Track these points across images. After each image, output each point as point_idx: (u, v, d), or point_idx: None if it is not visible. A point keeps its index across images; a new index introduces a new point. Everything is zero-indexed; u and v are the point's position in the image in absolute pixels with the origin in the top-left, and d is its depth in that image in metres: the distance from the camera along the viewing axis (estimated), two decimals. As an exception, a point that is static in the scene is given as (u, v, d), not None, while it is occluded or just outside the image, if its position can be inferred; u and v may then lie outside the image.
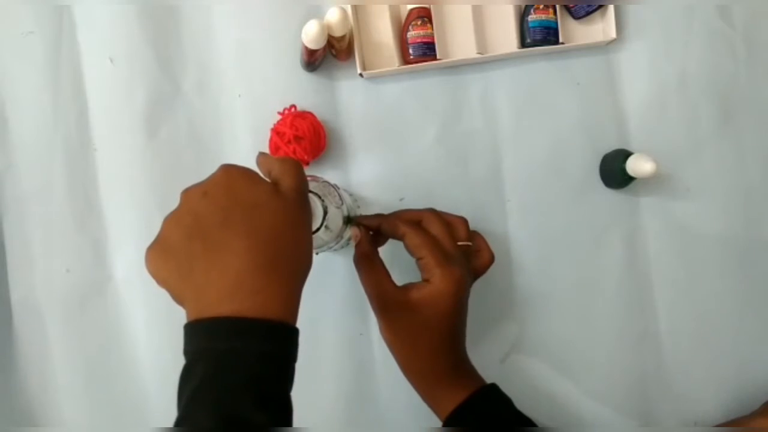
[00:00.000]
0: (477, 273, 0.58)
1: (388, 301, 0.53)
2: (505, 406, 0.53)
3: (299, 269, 0.41)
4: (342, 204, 0.53)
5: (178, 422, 0.36)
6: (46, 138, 0.65)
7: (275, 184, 0.41)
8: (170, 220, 0.40)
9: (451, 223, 0.56)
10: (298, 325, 0.40)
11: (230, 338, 0.37)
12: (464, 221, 0.57)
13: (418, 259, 0.53)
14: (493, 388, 0.54)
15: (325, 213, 0.46)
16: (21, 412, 0.65)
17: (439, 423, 0.54)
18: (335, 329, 0.65)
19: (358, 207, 0.64)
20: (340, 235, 0.53)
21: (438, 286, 0.51)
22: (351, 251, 0.65)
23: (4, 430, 0.66)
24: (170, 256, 0.39)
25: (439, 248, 0.52)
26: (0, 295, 0.65)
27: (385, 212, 0.58)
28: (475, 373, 0.55)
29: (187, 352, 0.38)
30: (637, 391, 0.66)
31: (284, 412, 0.38)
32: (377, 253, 0.55)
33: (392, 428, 0.65)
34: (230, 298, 0.37)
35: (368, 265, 0.53)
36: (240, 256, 0.38)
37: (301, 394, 0.65)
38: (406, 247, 0.54)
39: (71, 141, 0.65)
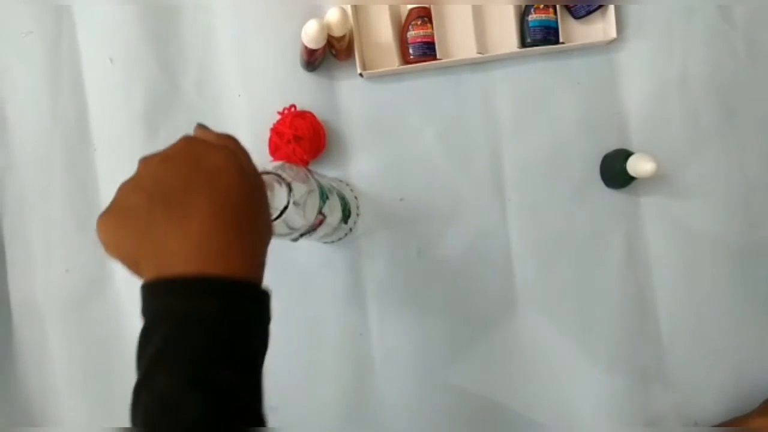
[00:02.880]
0: None
1: None
2: None
3: (262, 233, 0.40)
4: (313, 186, 0.52)
5: (138, 386, 0.35)
6: (45, 138, 0.65)
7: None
8: (127, 186, 0.39)
9: None
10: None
11: (194, 297, 0.35)
12: None
13: None
14: None
15: (290, 189, 0.46)
16: (20, 411, 0.66)
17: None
18: (335, 329, 0.65)
19: (355, 198, 0.64)
20: (322, 222, 0.52)
21: None
22: (351, 248, 0.65)
23: (4, 430, 0.66)
24: (127, 220, 0.38)
25: None
26: (0, 295, 0.65)
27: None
28: None
29: (146, 312, 0.36)
30: (637, 391, 0.66)
31: (253, 374, 0.37)
32: None
33: (392, 428, 0.65)
34: (193, 257, 0.36)
35: None
36: (203, 218, 0.36)
37: (301, 394, 0.65)
38: None
39: (71, 141, 0.66)
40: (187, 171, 0.38)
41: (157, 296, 0.36)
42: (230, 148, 0.41)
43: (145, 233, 0.37)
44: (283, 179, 0.47)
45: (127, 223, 0.38)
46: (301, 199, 0.49)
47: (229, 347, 0.35)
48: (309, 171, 0.53)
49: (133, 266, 0.38)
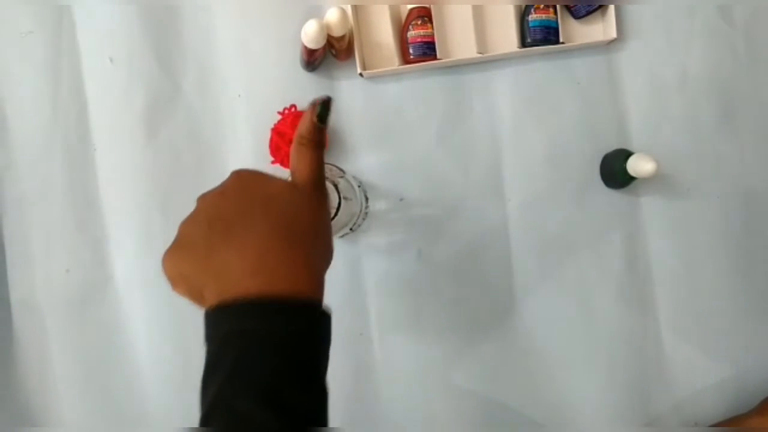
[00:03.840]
0: None
1: None
2: None
3: (322, 254, 0.40)
4: (350, 180, 0.55)
5: (210, 411, 0.34)
6: (45, 138, 0.65)
7: (291, 179, 0.42)
8: (187, 222, 0.40)
9: None
10: None
11: (261, 318, 0.35)
12: None
13: None
14: None
15: (336, 186, 0.49)
16: (21, 411, 0.66)
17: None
18: (335, 329, 0.65)
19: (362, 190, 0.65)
20: (357, 216, 0.55)
21: None
22: (351, 248, 0.65)
23: (4, 430, 0.66)
24: (189, 251, 0.38)
25: None
26: (0, 295, 0.65)
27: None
28: None
29: (211, 338, 0.36)
30: (637, 391, 0.66)
31: (323, 394, 0.37)
32: None
33: (392, 428, 0.65)
34: (254, 277, 0.36)
35: None
36: (261, 238, 0.37)
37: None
38: None
39: (71, 141, 0.66)
40: (242, 200, 0.39)
41: (223, 320, 0.36)
42: (293, 171, 0.41)
43: (206, 261, 0.37)
44: (327, 178, 0.48)
45: (188, 255, 0.38)
46: (349, 194, 0.52)
47: (299, 367, 0.35)
48: (338, 167, 0.54)
49: (198, 298, 0.38)
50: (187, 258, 0.38)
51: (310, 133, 0.41)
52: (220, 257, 0.37)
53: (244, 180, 0.41)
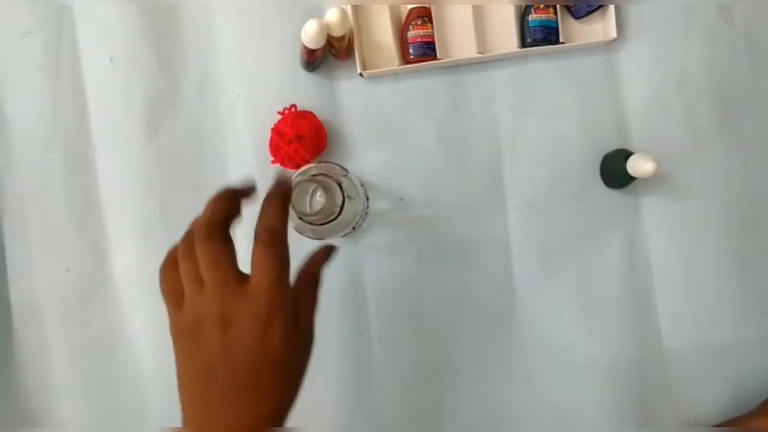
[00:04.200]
0: None
1: None
2: None
3: (301, 383, 0.44)
4: (353, 178, 0.55)
5: None
6: (45, 138, 0.65)
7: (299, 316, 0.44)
8: (182, 318, 0.42)
9: None
10: None
11: None
12: None
13: None
14: None
15: (340, 185, 0.49)
16: (21, 412, 0.65)
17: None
18: (335, 329, 0.65)
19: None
20: (359, 215, 0.56)
21: None
22: (351, 248, 0.65)
23: (4, 430, 0.66)
24: (192, 381, 0.42)
25: None
26: (0, 295, 0.65)
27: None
28: None
29: None
30: (637, 392, 0.66)
31: None
32: None
33: (392, 428, 0.65)
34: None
35: None
36: (255, 422, 0.40)
37: (300, 394, 0.65)
38: None
39: (71, 141, 0.66)
40: (255, 355, 0.40)
41: None
42: (295, 330, 0.43)
43: (199, 402, 0.41)
44: (330, 177, 0.49)
45: (191, 384, 0.42)
46: (352, 192, 0.52)
47: None
48: (341, 166, 0.54)
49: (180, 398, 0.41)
50: (190, 381, 0.42)
51: (318, 287, 0.46)
52: (211, 412, 0.40)
53: (268, 318, 0.40)
